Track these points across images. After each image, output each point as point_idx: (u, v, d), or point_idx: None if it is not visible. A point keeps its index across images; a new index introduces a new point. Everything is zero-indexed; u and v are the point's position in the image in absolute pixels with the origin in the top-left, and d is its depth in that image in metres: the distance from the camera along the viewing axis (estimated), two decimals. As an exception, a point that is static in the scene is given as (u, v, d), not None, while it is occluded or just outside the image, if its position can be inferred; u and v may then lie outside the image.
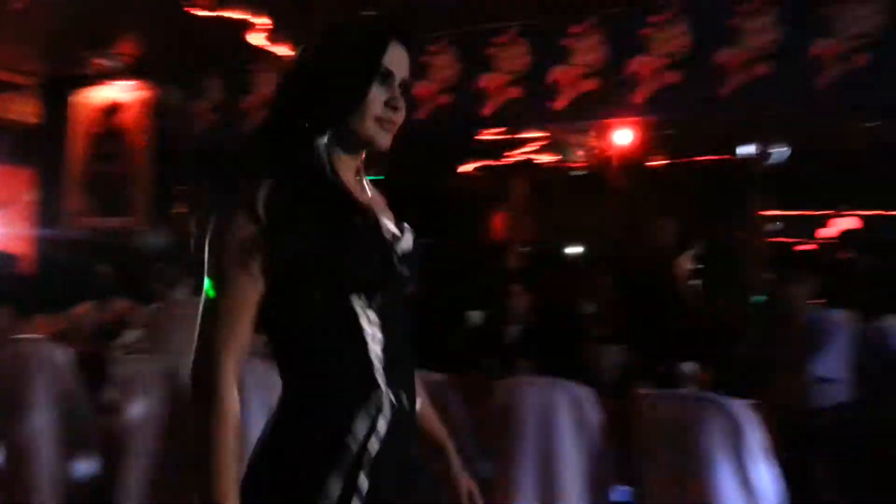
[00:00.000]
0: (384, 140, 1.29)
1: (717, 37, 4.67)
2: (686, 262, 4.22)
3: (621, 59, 4.97)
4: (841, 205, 7.56)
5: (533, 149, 7.17)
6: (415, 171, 4.26)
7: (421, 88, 5.40)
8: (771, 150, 6.59)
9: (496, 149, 7.02)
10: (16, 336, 3.70)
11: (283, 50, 5.56)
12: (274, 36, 5.49)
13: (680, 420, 2.67)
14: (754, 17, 4.58)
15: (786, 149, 6.54)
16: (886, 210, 7.30)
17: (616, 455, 2.85)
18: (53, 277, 5.85)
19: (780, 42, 4.52)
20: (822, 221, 7.68)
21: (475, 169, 7.70)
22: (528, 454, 2.84)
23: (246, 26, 5.40)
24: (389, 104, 1.27)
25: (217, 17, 5.15)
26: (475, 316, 3.93)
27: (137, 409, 3.20)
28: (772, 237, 7.24)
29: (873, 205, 7.40)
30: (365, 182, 1.36)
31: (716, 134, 6.52)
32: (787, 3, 4.57)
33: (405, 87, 1.30)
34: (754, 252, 6.52)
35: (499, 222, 8.34)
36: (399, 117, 1.29)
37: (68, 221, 6.89)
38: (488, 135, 6.35)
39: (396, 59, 1.28)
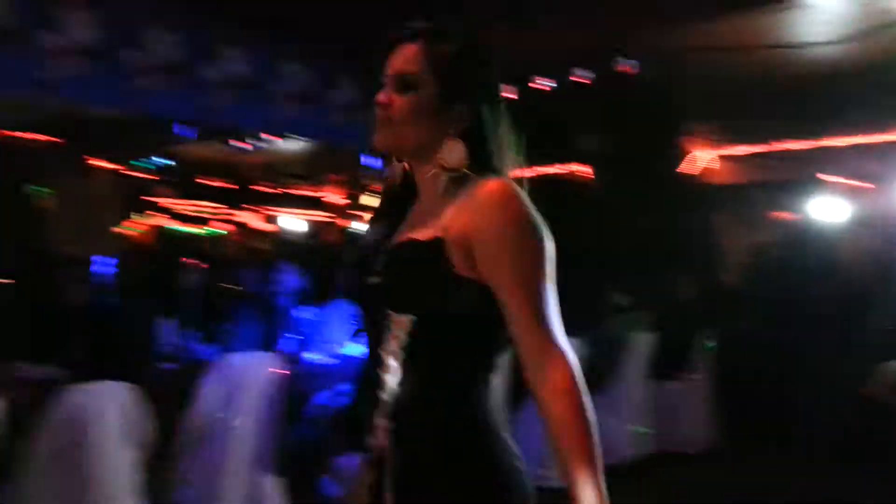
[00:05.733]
0: (373, 139, 1.29)
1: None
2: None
3: None
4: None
5: None
6: None
7: None
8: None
9: None
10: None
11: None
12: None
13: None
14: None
15: None
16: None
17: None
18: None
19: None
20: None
21: None
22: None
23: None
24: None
25: None
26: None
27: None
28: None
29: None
30: (443, 184, 1.27)
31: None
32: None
33: (395, 79, 1.27)
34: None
35: None
36: (381, 112, 1.27)
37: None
38: None
39: (393, 58, 1.29)
